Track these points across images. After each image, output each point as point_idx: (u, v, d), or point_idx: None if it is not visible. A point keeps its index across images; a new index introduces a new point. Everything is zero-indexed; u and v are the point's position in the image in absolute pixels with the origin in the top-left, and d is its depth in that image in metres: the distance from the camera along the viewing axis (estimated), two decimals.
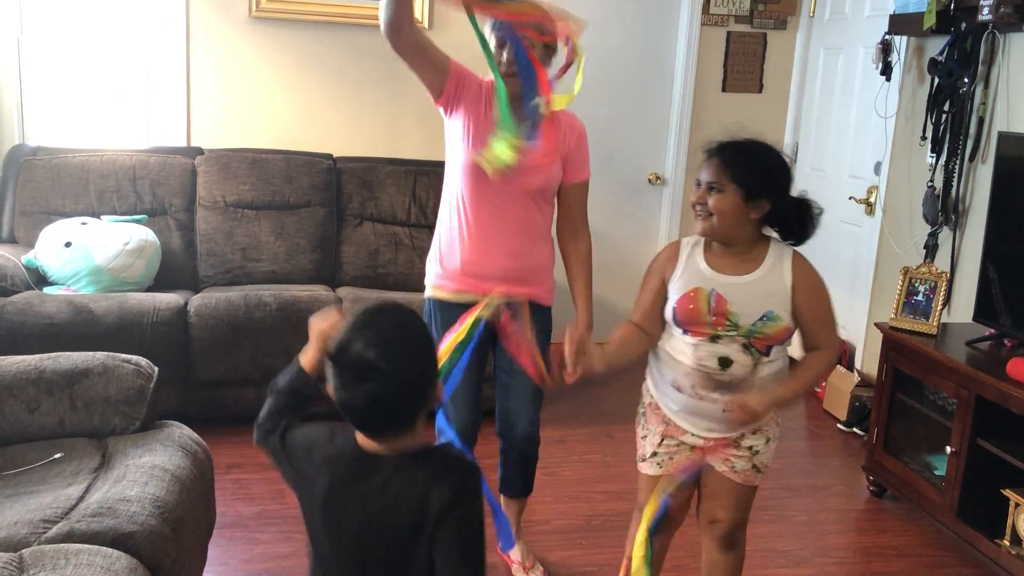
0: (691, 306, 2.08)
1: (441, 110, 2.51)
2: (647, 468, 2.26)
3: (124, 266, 3.77)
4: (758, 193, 2.06)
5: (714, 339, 2.07)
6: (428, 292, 2.62)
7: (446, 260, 2.55)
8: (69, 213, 4.02)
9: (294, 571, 2.77)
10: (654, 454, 2.24)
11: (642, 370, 2.32)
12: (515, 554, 2.85)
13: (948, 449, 3.05)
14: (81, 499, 1.99)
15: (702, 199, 2.08)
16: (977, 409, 2.94)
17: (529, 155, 2.40)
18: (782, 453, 4.06)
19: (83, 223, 3.86)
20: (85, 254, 3.72)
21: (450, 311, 2.44)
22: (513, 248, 2.50)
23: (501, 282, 2.43)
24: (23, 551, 1.75)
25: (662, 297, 2.18)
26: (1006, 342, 3.20)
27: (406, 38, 2.30)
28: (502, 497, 2.84)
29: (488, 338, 2.47)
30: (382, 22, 2.27)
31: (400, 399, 1.43)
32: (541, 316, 2.58)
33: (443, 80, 2.42)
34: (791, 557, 3.04)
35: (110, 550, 1.78)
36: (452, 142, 2.52)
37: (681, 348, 2.12)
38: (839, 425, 4.21)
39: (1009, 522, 2.81)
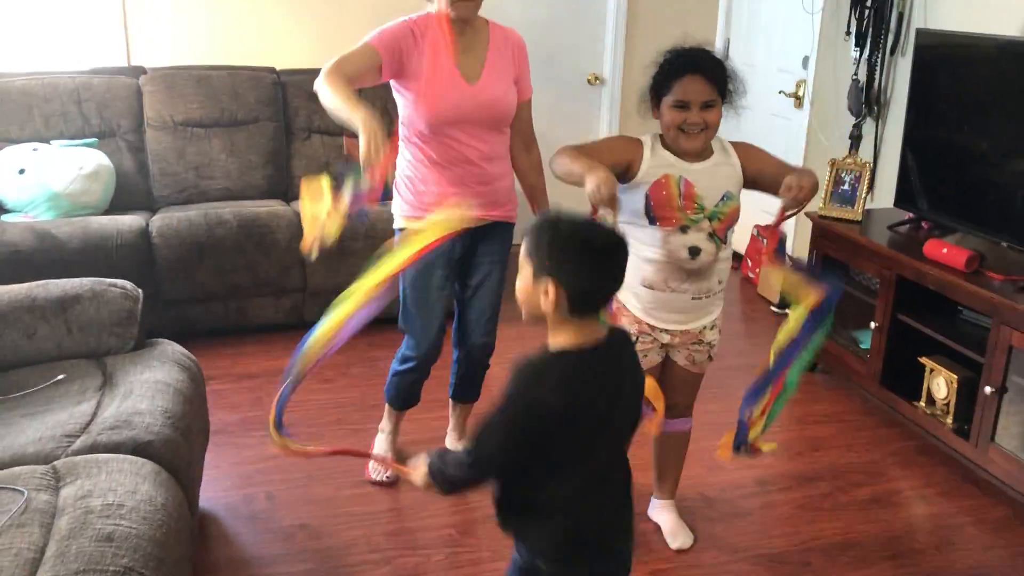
0: (664, 192, 2.21)
1: (391, 82, 2.54)
2: None
3: (81, 191, 3.81)
4: (730, 97, 2.25)
5: (683, 229, 2.22)
6: (400, 224, 2.68)
7: (418, 194, 2.60)
8: (15, 139, 4.01)
9: (281, 470, 2.98)
10: None
11: None
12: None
13: (872, 324, 3.37)
14: (95, 414, 2.15)
15: (698, 119, 2.18)
16: (898, 287, 3.25)
17: (487, 85, 2.52)
18: (721, 335, 4.38)
19: (34, 149, 3.87)
20: (41, 180, 3.75)
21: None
22: (483, 176, 2.61)
23: (476, 208, 2.56)
24: (55, 463, 1.92)
25: (618, 166, 2.20)
26: (924, 224, 3.49)
27: None
28: (451, 403, 3.06)
29: (456, 255, 2.65)
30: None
31: None
32: (505, 232, 2.74)
33: (379, 70, 2.46)
34: (732, 428, 3.35)
35: (134, 457, 1.95)
36: (406, 95, 2.53)
37: (650, 243, 2.25)
38: (772, 308, 4.53)
39: (924, 386, 3.16)
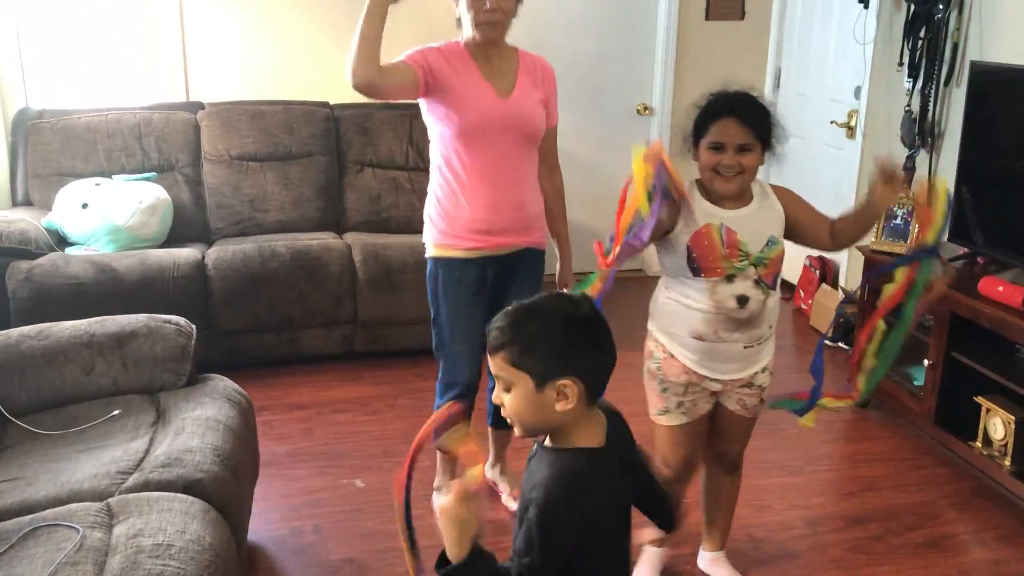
0: (706, 242, 2.17)
1: (422, 100, 2.59)
2: (671, 420, 2.35)
3: (140, 224, 3.93)
4: (770, 141, 2.22)
5: (729, 279, 2.18)
6: (432, 252, 2.68)
7: (450, 220, 2.62)
8: (80, 173, 4.15)
9: (330, 503, 3.02)
10: (679, 404, 2.33)
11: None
12: (503, 485, 3.05)
13: (926, 362, 3.31)
14: (148, 451, 2.21)
15: (733, 161, 2.16)
16: (951, 324, 3.18)
17: (519, 101, 2.56)
18: (772, 369, 4.32)
19: (97, 184, 4.00)
20: (103, 214, 3.87)
21: (459, 268, 2.62)
22: (515, 200, 2.63)
23: (508, 234, 2.63)
24: (108, 500, 1.97)
25: (661, 227, 2.17)
26: (979, 260, 3.42)
27: (379, 92, 2.46)
28: (491, 431, 3.01)
29: (488, 283, 2.67)
30: (353, 80, 2.39)
31: None
32: (536, 259, 2.75)
33: (416, 85, 2.51)
34: (785, 467, 3.32)
35: (184, 496, 2.00)
36: (439, 110, 2.56)
37: (695, 296, 2.21)
38: (825, 341, 4.45)
39: (980, 426, 3.08)
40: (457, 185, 2.60)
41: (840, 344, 4.38)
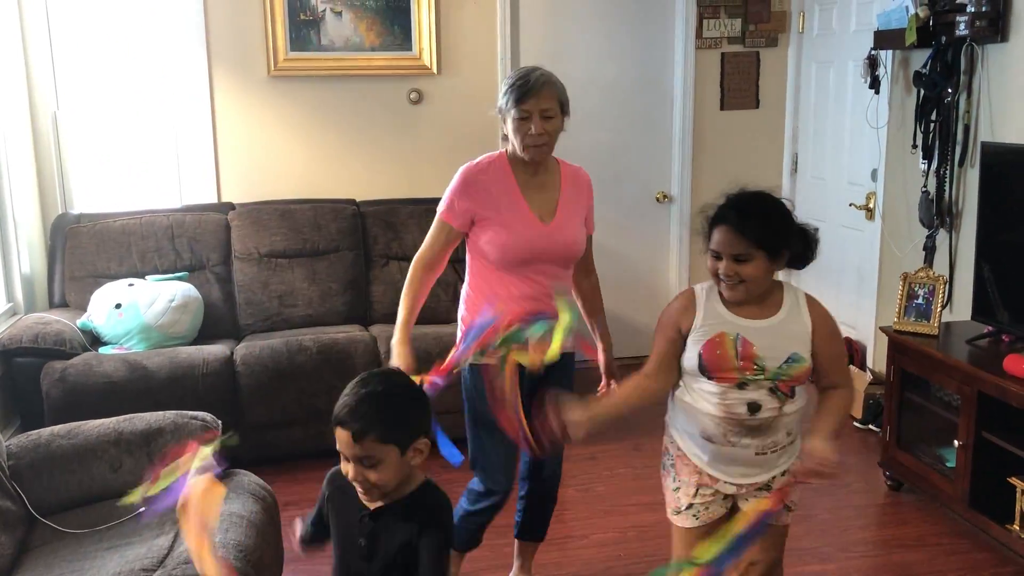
0: (719, 352, 2.09)
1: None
2: (683, 521, 2.27)
3: (171, 322, 4.03)
4: (780, 250, 2.11)
5: (741, 385, 2.10)
6: (473, 359, 2.56)
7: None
8: (115, 275, 4.28)
9: None
10: (690, 506, 2.24)
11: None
12: None
13: (956, 443, 3.26)
14: (171, 548, 2.23)
15: (730, 271, 2.09)
16: (980, 404, 3.15)
17: (561, 226, 2.61)
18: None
19: (130, 284, 4.12)
20: (134, 314, 3.98)
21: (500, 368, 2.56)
22: (554, 308, 2.62)
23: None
24: None
25: (678, 347, 2.19)
26: (1004, 337, 3.40)
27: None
28: (516, 543, 2.99)
29: (525, 388, 2.59)
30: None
31: None
32: (568, 360, 2.71)
33: (459, 237, 2.66)
34: (816, 554, 3.25)
35: None
36: (482, 237, 2.60)
37: (706, 397, 2.14)
38: (855, 423, 4.41)
39: (1017, 508, 3.01)
40: (496, 299, 2.59)
41: (871, 427, 4.32)
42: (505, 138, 2.63)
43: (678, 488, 2.27)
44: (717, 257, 2.12)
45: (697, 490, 2.24)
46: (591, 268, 2.87)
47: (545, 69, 2.59)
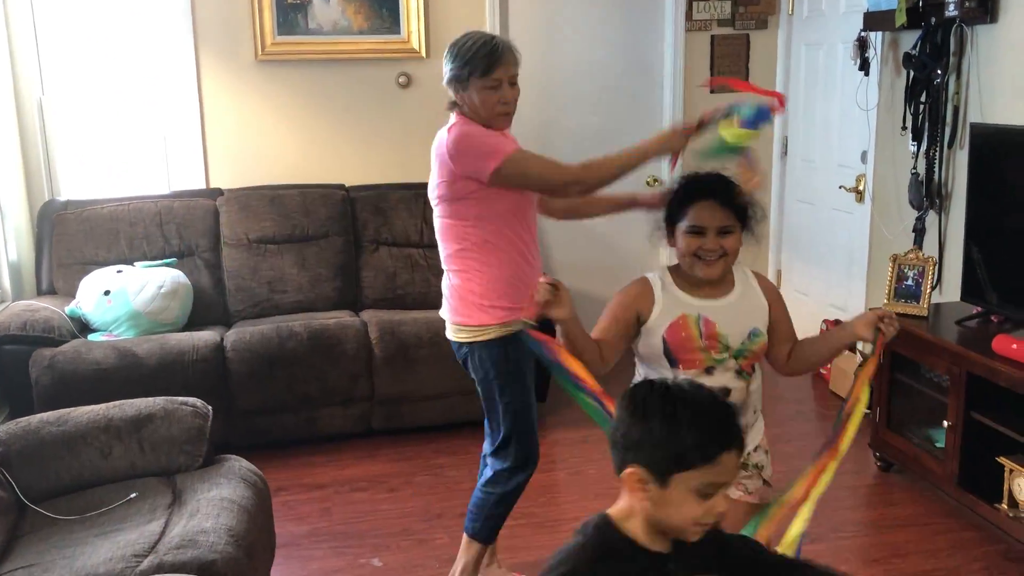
0: (683, 333, 2.10)
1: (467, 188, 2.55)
2: None
3: (160, 309, 4.01)
4: (748, 224, 2.17)
5: (709, 371, 2.12)
6: (498, 333, 2.56)
7: (517, 291, 2.53)
8: (103, 262, 4.25)
9: None
10: None
11: None
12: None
13: (945, 423, 3.27)
14: (163, 533, 2.23)
15: (715, 245, 2.10)
16: (968, 385, 3.16)
17: None
18: (793, 436, 4.30)
19: (118, 271, 4.10)
20: (123, 300, 3.96)
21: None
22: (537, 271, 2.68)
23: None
24: None
25: (629, 331, 2.17)
26: (993, 318, 3.41)
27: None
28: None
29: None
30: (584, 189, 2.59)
31: None
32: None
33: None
34: (808, 535, 3.25)
35: None
36: (495, 192, 2.52)
37: None
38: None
39: (1005, 487, 3.03)
40: (520, 259, 2.59)
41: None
42: (454, 105, 2.58)
43: None
44: (697, 233, 2.12)
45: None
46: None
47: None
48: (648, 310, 2.15)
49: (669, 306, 2.15)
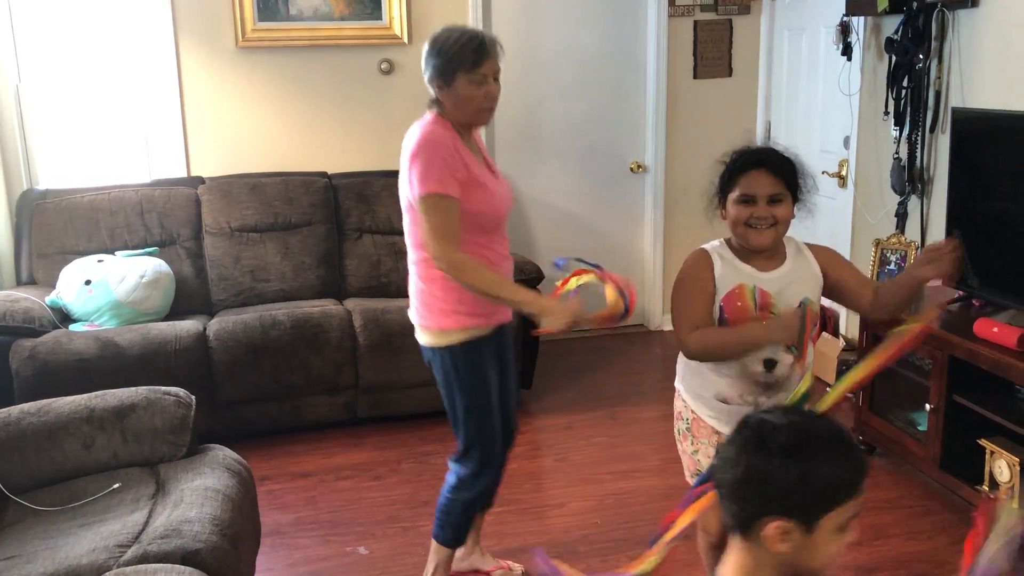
0: (739, 303, 2.11)
1: None
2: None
3: (142, 298, 3.98)
4: (799, 195, 2.18)
5: None
6: (459, 338, 2.52)
7: (479, 302, 2.48)
8: (83, 251, 4.21)
9: (335, 572, 3.00)
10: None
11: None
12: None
13: (927, 406, 3.30)
14: (147, 523, 2.21)
15: (766, 213, 2.11)
16: (950, 368, 3.18)
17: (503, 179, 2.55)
18: None
19: (99, 260, 4.06)
20: (105, 290, 3.92)
21: (487, 343, 2.55)
22: (509, 269, 2.65)
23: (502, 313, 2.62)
24: (105, 575, 1.97)
25: (714, 302, 2.16)
26: (975, 302, 3.43)
27: None
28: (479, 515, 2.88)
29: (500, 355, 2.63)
30: None
31: None
32: (508, 328, 2.70)
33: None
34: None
35: (182, 567, 2.00)
36: (470, 204, 2.44)
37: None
38: (828, 389, 4.44)
39: (986, 469, 3.06)
40: (483, 262, 2.49)
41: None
42: (435, 102, 2.49)
43: (696, 451, 2.28)
44: (748, 202, 2.12)
45: (717, 451, 2.24)
46: None
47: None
48: (713, 284, 2.16)
49: (727, 275, 2.16)
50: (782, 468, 1.27)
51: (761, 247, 2.14)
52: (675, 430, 2.37)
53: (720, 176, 2.19)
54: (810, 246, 2.27)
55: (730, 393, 2.18)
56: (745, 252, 2.19)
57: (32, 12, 4.41)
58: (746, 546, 1.33)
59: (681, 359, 2.31)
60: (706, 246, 2.24)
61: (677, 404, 2.35)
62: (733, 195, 2.14)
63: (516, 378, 2.85)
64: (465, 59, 2.40)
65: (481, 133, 2.68)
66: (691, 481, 2.31)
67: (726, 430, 2.22)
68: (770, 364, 2.11)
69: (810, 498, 1.26)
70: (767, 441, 1.30)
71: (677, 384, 2.35)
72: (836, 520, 1.28)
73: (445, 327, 2.54)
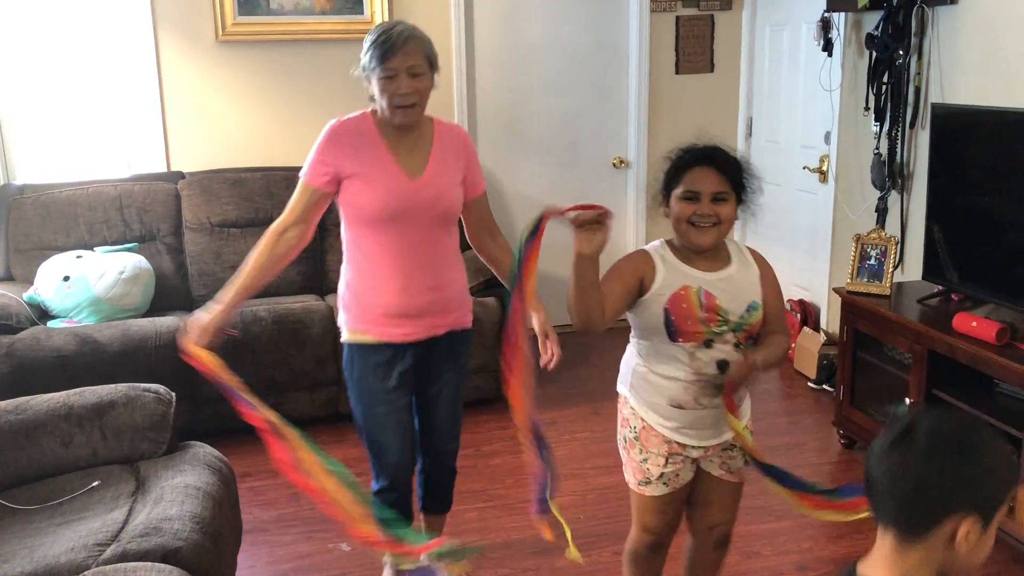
0: (684, 305, 2.08)
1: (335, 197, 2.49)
2: (654, 490, 2.25)
3: (122, 294, 3.94)
4: (745, 195, 2.15)
5: (708, 343, 2.10)
6: (347, 337, 2.54)
7: (364, 305, 2.49)
8: (62, 247, 4.17)
9: (318, 569, 2.99)
10: (661, 475, 2.22)
11: (619, 351, 2.36)
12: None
13: (907, 400, 3.32)
14: (127, 521, 2.20)
15: (709, 211, 2.08)
16: (930, 362, 3.21)
17: (430, 181, 2.45)
18: (758, 415, 4.30)
19: (78, 256, 4.02)
20: (84, 286, 3.89)
21: (374, 354, 2.50)
22: (431, 282, 2.49)
23: (425, 316, 2.49)
24: (84, 573, 1.96)
25: (630, 296, 2.12)
26: (954, 297, 3.46)
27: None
28: (422, 516, 2.83)
29: (406, 367, 2.53)
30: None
31: None
32: (462, 340, 2.62)
33: (326, 198, 2.47)
34: (772, 512, 3.30)
35: (162, 565, 1.98)
36: (344, 195, 2.45)
37: (674, 363, 2.13)
38: (809, 383, 4.48)
39: None
40: (367, 269, 2.47)
41: (824, 387, 4.39)
42: (372, 99, 2.43)
43: (646, 459, 2.24)
44: (692, 199, 2.09)
45: (667, 459, 2.21)
46: (495, 229, 2.67)
47: (409, 23, 2.40)
48: (651, 279, 2.12)
49: (670, 277, 2.12)
50: (965, 463, 1.24)
51: (702, 246, 2.11)
52: (619, 437, 2.32)
53: (666, 172, 2.15)
54: (753, 253, 2.24)
55: (684, 398, 2.15)
56: (687, 253, 2.15)
57: (9, 6, 4.36)
58: (909, 549, 1.29)
59: (625, 363, 2.28)
60: (648, 247, 2.20)
61: (624, 411, 2.28)
62: (677, 191, 2.11)
63: (457, 394, 2.69)
64: (374, 54, 2.34)
65: (469, 128, 2.62)
66: (640, 489, 2.27)
67: (678, 437, 2.19)
68: (723, 365, 2.10)
69: (992, 489, 1.26)
70: (935, 439, 1.26)
71: (622, 390, 2.29)
72: (1002, 512, 1.27)
73: (340, 323, 2.58)
